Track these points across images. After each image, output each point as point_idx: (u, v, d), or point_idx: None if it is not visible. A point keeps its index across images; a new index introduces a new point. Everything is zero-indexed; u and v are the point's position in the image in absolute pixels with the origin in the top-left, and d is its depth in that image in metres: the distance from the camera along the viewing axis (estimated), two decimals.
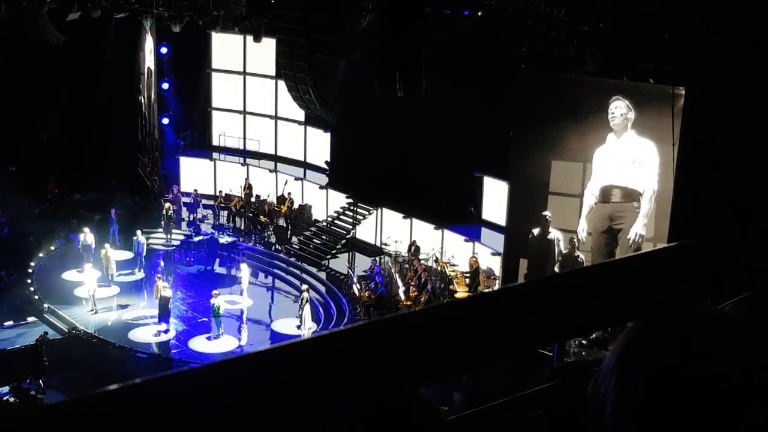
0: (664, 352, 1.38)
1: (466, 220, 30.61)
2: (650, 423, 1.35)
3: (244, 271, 29.30)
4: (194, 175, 37.22)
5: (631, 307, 1.61)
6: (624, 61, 23.51)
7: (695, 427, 1.32)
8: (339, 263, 32.13)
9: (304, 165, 36.79)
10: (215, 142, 38.60)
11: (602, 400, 1.42)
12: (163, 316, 26.71)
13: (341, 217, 33.43)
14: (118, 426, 1.23)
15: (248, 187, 36.07)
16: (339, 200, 33.90)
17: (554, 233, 25.85)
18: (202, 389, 1.32)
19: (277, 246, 33.70)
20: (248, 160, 37.41)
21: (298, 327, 26.94)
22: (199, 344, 26.38)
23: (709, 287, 1.90)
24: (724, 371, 1.34)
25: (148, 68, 36.62)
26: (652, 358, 1.39)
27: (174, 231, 34.20)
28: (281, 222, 34.75)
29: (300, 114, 34.78)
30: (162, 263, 31.93)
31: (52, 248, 32.30)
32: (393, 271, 29.15)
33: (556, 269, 25.18)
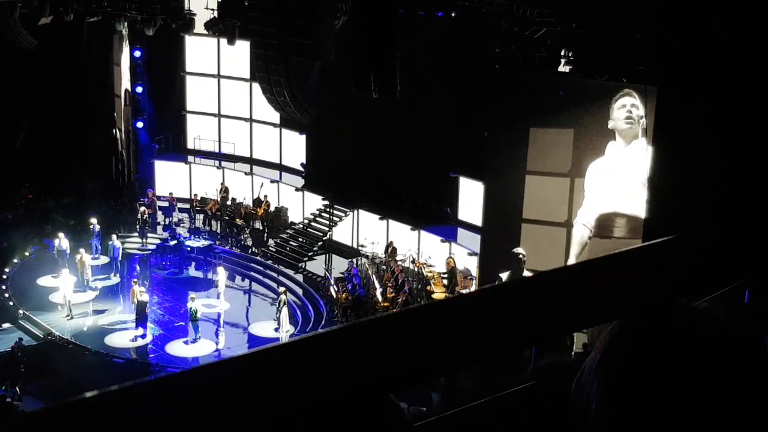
0: (646, 351, 1.39)
1: (442, 220, 30.66)
2: (634, 422, 1.36)
3: (221, 275, 29.21)
4: (169, 178, 37.04)
5: (612, 308, 1.62)
6: (597, 60, 23.51)
7: (679, 424, 1.33)
8: (316, 265, 32.07)
9: (280, 167, 36.72)
10: (190, 146, 38.46)
11: (586, 399, 1.43)
12: (141, 320, 26.56)
13: (318, 219, 33.40)
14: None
15: (224, 190, 35.97)
16: (315, 202, 33.86)
17: None
18: (184, 394, 1.31)
19: (253, 249, 33.62)
20: (224, 163, 37.32)
21: (276, 330, 26.89)
22: (177, 348, 26.26)
23: (685, 285, 1.91)
24: (706, 368, 1.35)
25: (122, 72, 36.44)
26: (635, 356, 1.39)
27: (149, 235, 34.05)
28: (257, 225, 34.68)
29: (275, 116, 34.70)
30: (138, 268, 31.78)
31: (27, 254, 32.03)
32: (370, 272, 29.15)
33: None
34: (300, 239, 33.19)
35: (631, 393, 1.36)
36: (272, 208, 34.93)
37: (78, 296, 28.60)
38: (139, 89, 37.02)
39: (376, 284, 28.02)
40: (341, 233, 33.04)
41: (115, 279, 30.73)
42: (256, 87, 32.81)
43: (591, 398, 1.41)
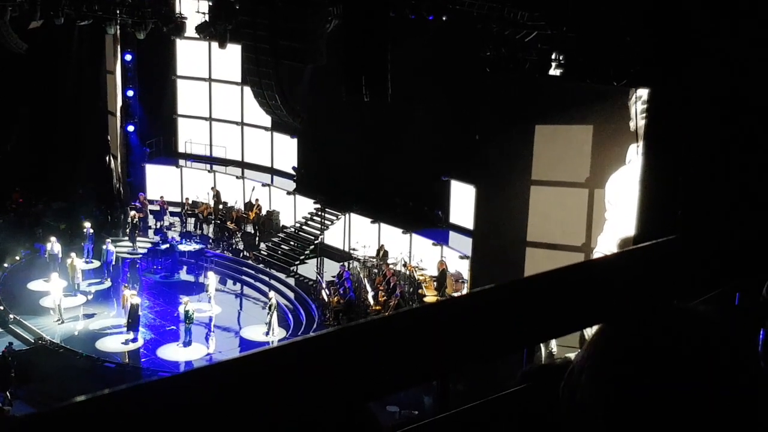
0: (635, 352, 1.39)
1: (434, 224, 30.67)
2: (623, 424, 1.36)
3: (212, 279, 29.18)
4: (160, 182, 37.00)
5: (602, 309, 1.62)
6: (588, 63, 23.43)
7: (668, 425, 1.33)
8: (308, 269, 32.07)
9: (272, 171, 36.72)
10: (181, 149, 38.44)
11: (575, 401, 1.42)
12: (133, 324, 26.50)
13: (309, 222, 33.39)
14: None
15: (216, 194, 35.93)
16: (307, 206, 33.86)
17: None
18: (170, 398, 1.31)
19: (245, 252, 33.59)
20: (215, 167, 37.30)
21: (266, 334, 26.85)
22: (168, 352, 26.22)
23: (678, 286, 1.91)
24: (696, 369, 1.35)
25: (113, 77, 36.39)
26: (624, 358, 1.39)
27: (141, 239, 33.99)
28: (249, 228, 34.66)
29: (266, 120, 34.67)
30: (128, 271, 31.76)
31: (17, 258, 31.96)
32: (362, 275, 29.16)
33: None
34: (291, 243, 33.17)
35: (620, 395, 1.36)
36: (264, 212, 34.92)
37: (68, 300, 28.53)
38: (130, 93, 36.99)
39: (368, 288, 28.01)
40: (333, 237, 33.03)
41: (107, 283, 30.67)
42: (248, 90, 32.75)
43: (580, 401, 1.41)
